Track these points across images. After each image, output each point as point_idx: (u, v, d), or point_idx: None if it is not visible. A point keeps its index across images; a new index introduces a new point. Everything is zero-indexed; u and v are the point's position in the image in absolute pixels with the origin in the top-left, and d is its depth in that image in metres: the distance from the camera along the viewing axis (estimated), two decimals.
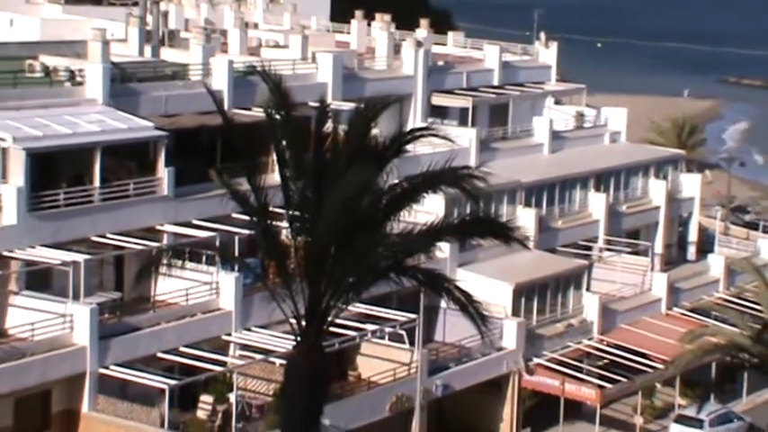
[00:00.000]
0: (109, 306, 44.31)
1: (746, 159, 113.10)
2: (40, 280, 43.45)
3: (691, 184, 70.49)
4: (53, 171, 44.13)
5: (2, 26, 62.13)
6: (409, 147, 28.63)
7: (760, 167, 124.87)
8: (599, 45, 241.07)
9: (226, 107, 46.85)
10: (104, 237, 44.51)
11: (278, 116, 27.56)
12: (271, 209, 27.71)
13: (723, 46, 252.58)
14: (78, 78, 47.46)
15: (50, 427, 42.88)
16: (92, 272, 43.62)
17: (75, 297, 42.39)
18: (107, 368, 42.61)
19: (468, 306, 27.81)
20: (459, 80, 63.02)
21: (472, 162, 54.96)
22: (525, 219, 56.99)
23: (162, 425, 42.03)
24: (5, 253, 42.22)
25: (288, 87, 28.35)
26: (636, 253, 63.67)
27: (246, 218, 29.12)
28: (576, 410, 54.50)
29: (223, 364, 44.45)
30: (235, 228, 42.93)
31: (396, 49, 61.19)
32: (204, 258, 46.37)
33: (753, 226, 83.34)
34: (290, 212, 27.24)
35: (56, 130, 44.07)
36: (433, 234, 27.97)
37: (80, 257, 42.63)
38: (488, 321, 28.91)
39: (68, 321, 42.13)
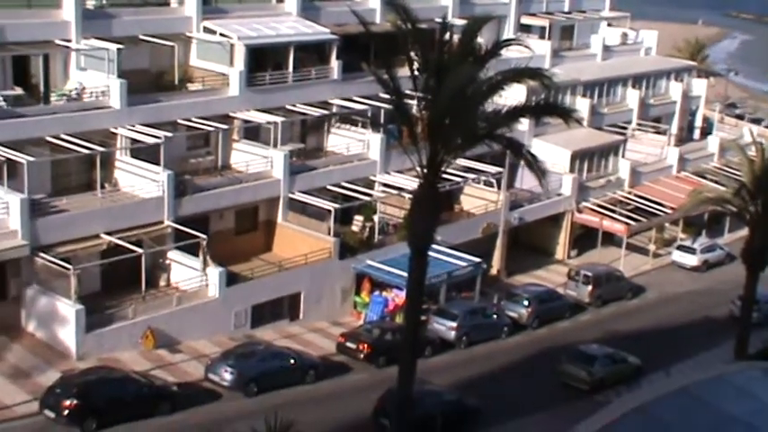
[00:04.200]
0: (296, 152, 44.88)
1: (738, 70, 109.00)
2: (252, 133, 44.03)
3: (699, 87, 68.53)
4: (262, 60, 44.40)
5: None
6: (503, 52, 28.24)
7: (748, 76, 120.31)
8: None
9: (378, 21, 46.97)
10: (294, 106, 44.83)
11: (409, 28, 27.18)
12: (405, 91, 27.63)
13: None
14: None
15: (257, 229, 43.88)
16: (285, 129, 44.13)
17: (275, 145, 43.06)
18: (293, 194, 43.40)
19: (534, 165, 27.60)
20: (541, 6, 61.32)
21: (546, 65, 54.06)
22: (582, 106, 56.17)
23: (328, 233, 42.94)
24: (231, 114, 42.80)
25: (412, 8, 27.72)
26: (658, 132, 62.56)
27: (388, 97, 28.92)
28: (610, 239, 54.32)
29: (370, 195, 44.96)
30: (381, 103, 42.97)
31: None
32: (360, 123, 46.75)
33: (740, 117, 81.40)
34: (418, 95, 27.11)
35: (265, 33, 44.21)
36: (516, 113, 27.67)
37: (278, 119, 43.10)
38: (548, 175, 28.71)
39: (269, 161, 42.91)
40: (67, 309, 35.03)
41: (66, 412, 30.45)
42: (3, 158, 35.25)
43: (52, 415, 30.68)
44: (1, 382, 32.84)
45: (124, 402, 31.39)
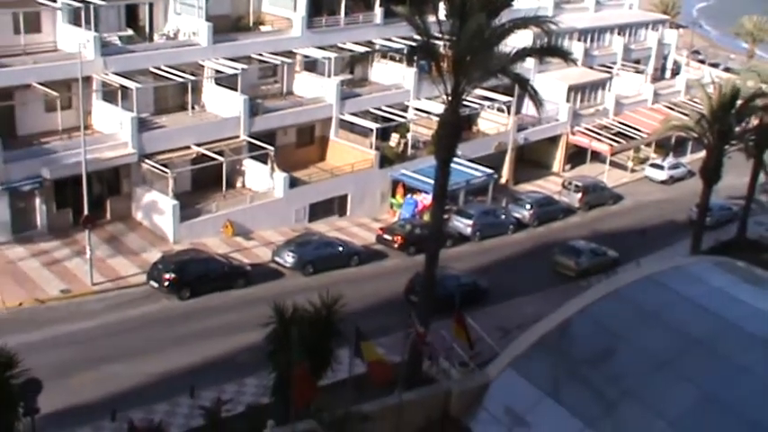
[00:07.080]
0: (345, 82, 44.56)
1: (703, 24, 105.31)
2: (310, 66, 43.81)
3: (670, 36, 66.72)
4: (319, 7, 43.80)
5: None
6: (514, 3, 27.59)
7: (711, 28, 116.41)
8: None
9: None
10: (345, 44, 44.39)
11: None
12: (434, 33, 27.28)
13: None
14: None
15: (314, 143, 43.87)
16: (337, 63, 43.75)
17: (328, 76, 42.93)
18: (343, 115, 43.35)
19: (534, 96, 27.24)
20: None
21: (549, 14, 52.95)
22: (576, 49, 55.09)
23: (371, 147, 43.00)
24: (294, 50, 42.50)
25: None
26: (637, 72, 61.25)
27: (420, 38, 28.55)
28: (597, 157, 53.72)
29: (405, 117, 44.77)
30: (414, 43, 42.46)
31: None
32: (397, 58, 46.33)
33: (702, 62, 79.66)
34: (444, 36, 26.79)
35: None
36: (523, 53, 27.28)
37: (332, 55, 42.81)
38: (543, 105, 28.07)
39: (324, 89, 42.83)
40: (166, 203, 35.83)
41: (166, 283, 31.46)
42: (117, 85, 35.74)
43: (155, 285, 31.73)
44: (119, 258, 33.95)
45: (210, 277, 32.27)
